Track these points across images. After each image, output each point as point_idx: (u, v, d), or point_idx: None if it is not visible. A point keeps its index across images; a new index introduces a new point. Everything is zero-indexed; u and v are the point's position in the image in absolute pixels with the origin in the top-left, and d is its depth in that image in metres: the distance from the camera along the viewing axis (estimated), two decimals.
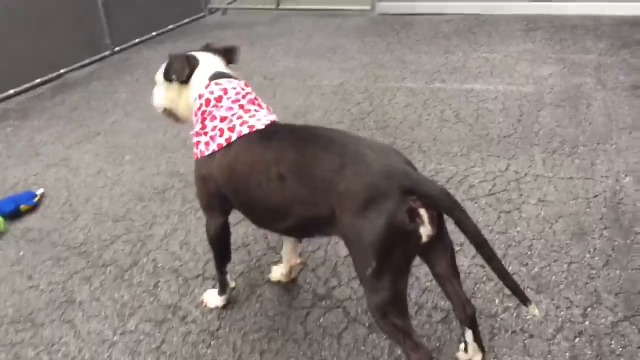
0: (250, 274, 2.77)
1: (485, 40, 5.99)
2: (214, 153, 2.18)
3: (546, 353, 2.18)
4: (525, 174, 3.40)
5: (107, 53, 6.58)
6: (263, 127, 2.14)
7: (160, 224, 3.26)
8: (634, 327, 2.25)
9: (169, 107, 2.50)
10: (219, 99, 2.23)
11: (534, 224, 2.93)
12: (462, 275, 2.09)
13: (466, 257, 2.68)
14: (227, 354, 2.32)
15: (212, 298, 2.57)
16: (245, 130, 2.14)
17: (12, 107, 5.31)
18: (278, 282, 2.68)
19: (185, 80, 2.34)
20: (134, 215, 3.38)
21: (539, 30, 6.12)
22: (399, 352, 2.18)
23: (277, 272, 2.68)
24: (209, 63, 2.38)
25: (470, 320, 2.03)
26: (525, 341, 2.24)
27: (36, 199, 3.55)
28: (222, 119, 2.19)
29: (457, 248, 2.20)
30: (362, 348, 2.28)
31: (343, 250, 2.77)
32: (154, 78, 2.50)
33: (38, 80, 5.72)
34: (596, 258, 2.64)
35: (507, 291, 1.90)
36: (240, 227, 3.07)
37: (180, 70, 2.32)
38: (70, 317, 2.61)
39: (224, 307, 2.55)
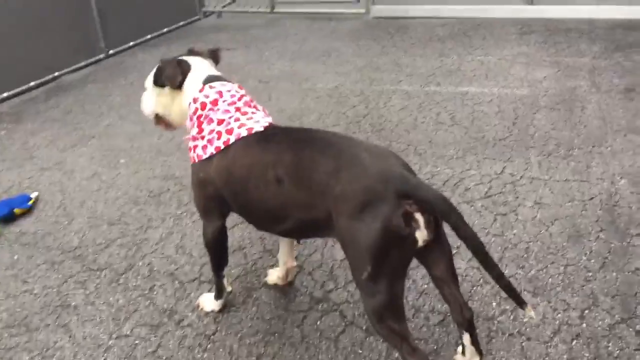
0: (246, 278, 2.76)
1: (480, 43, 6.00)
2: (211, 156, 2.17)
3: (544, 356, 2.17)
4: (521, 177, 3.40)
5: (101, 56, 6.56)
6: (262, 129, 2.14)
7: (155, 228, 3.24)
8: (631, 329, 2.26)
9: (160, 113, 2.48)
10: (214, 102, 2.22)
11: (530, 227, 2.93)
12: (459, 278, 2.09)
13: (463, 260, 2.68)
14: (224, 358, 2.31)
15: (208, 302, 2.56)
16: (243, 132, 2.13)
17: (6, 110, 5.28)
18: (274, 286, 2.67)
19: (178, 86, 2.33)
20: (129, 218, 3.36)
21: (534, 33, 6.14)
22: (396, 355, 2.17)
23: (274, 276, 2.67)
24: (201, 67, 2.37)
25: (467, 323, 2.02)
26: (523, 344, 2.24)
27: (30, 202, 3.54)
28: (220, 122, 2.18)
29: (454, 251, 2.20)
30: (360, 351, 2.28)
31: (339, 254, 2.76)
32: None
33: (32, 83, 5.70)
34: (592, 260, 2.65)
35: (504, 294, 1.90)
36: (237, 230, 3.06)
37: (173, 76, 2.31)
38: (65, 321, 2.59)
39: (220, 310, 2.54)
